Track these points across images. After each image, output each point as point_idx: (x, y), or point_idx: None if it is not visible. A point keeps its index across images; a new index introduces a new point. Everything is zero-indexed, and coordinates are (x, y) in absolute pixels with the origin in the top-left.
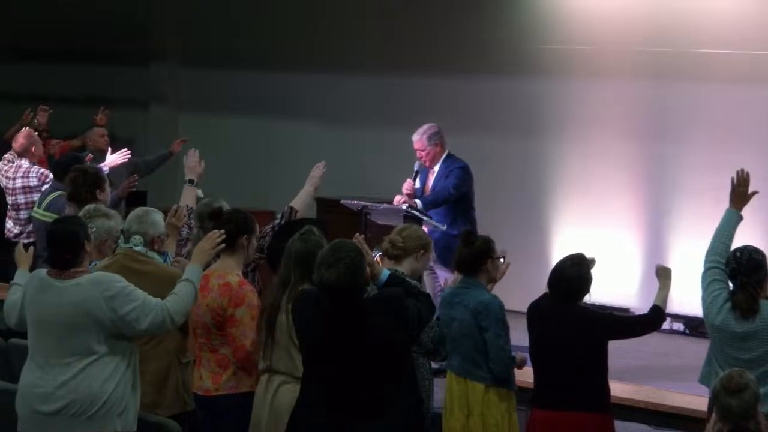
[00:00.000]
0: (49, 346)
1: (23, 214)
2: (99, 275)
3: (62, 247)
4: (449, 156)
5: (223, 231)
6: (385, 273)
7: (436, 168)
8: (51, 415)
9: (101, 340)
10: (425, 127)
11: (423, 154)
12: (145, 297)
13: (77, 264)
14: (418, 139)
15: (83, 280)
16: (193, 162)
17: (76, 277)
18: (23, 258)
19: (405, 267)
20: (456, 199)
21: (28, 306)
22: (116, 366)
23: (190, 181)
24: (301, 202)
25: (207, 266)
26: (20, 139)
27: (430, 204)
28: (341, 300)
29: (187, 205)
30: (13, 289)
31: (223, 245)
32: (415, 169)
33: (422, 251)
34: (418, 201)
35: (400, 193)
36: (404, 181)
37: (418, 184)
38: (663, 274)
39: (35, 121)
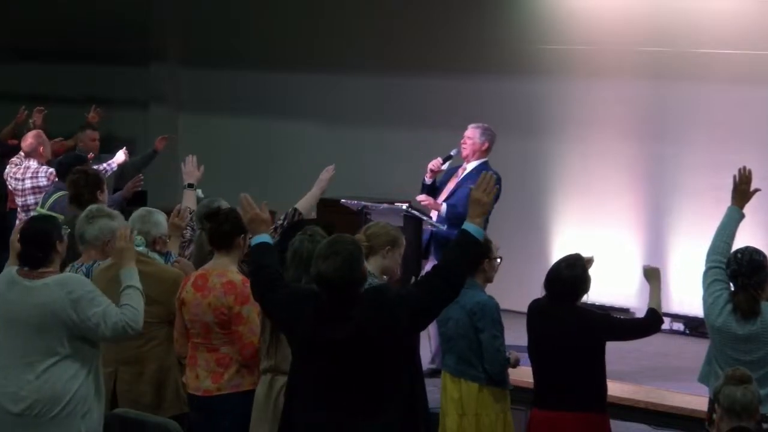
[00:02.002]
0: (16, 345)
1: (33, 215)
2: (67, 277)
3: (34, 245)
4: (486, 163)
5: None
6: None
7: (469, 167)
8: (17, 415)
9: (64, 342)
10: (486, 124)
11: (468, 142)
12: (108, 304)
13: (47, 264)
14: (473, 127)
15: (50, 281)
16: (191, 167)
17: (45, 278)
18: (13, 250)
19: (372, 265)
20: None
21: None
22: (79, 367)
23: (190, 185)
24: (306, 204)
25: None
26: (29, 138)
27: (453, 217)
28: (338, 294)
29: (189, 208)
30: None
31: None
32: (451, 153)
33: (389, 248)
34: (444, 205)
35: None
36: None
37: (445, 166)
38: (652, 275)
39: (31, 122)
